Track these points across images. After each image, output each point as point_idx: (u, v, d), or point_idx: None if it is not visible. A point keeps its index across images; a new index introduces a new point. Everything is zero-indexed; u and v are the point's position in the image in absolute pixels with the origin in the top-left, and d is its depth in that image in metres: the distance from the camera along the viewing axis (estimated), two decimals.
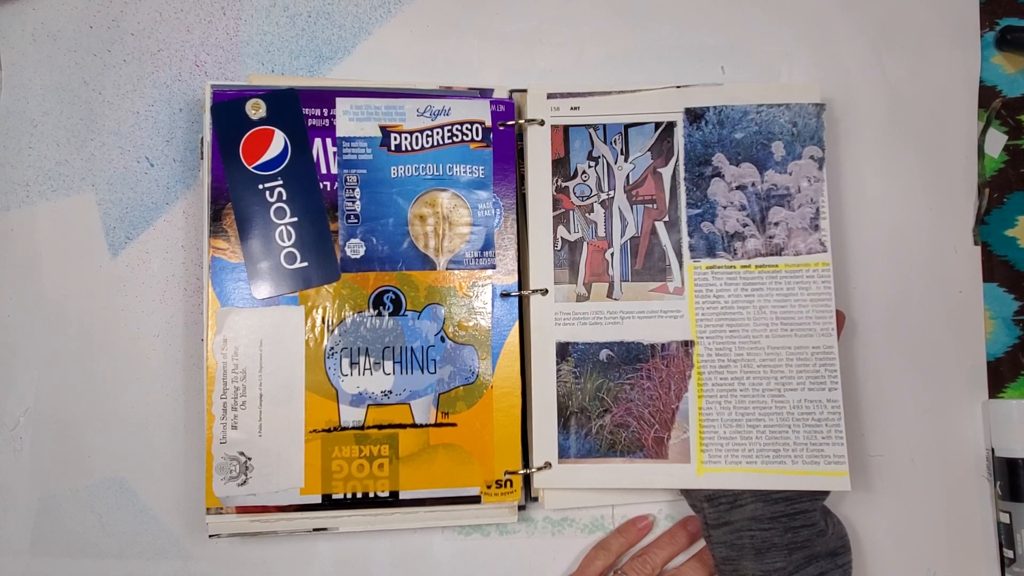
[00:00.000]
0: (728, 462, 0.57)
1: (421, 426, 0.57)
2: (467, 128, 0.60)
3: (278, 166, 0.58)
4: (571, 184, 0.60)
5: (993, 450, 0.60)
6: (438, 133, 0.60)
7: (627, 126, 0.60)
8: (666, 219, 0.60)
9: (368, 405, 0.57)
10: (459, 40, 0.64)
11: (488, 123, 0.60)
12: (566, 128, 0.60)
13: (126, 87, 0.62)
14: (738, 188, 0.59)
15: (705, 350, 0.58)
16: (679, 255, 0.59)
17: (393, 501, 0.57)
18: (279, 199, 0.58)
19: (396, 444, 0.57)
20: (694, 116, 0.60)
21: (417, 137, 0.59)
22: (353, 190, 0.59)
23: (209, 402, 0.56)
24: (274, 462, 0.56)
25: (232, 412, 0.56)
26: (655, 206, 0.60)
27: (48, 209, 0.61)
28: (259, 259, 0.57)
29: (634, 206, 0.60)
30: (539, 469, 0.57)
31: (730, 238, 0.59)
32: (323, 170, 0.59)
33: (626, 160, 0.60)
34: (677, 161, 0.60)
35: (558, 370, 0.58)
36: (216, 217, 0.57)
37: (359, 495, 0.56)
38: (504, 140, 0.60)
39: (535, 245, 0.59)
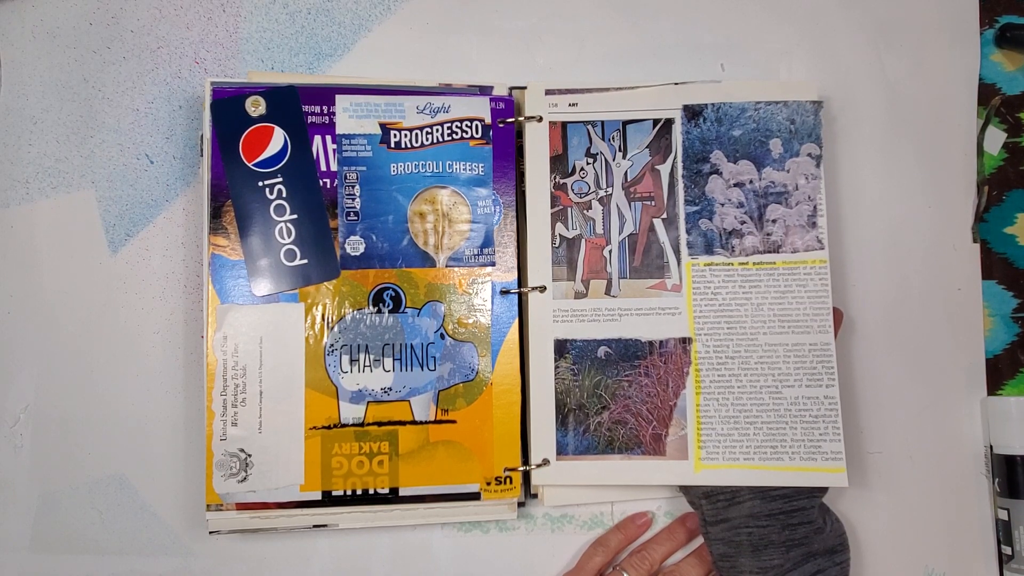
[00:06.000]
0: (726, 459, 0.57)
1: (421, 423, 0.57)
2: (467, 125, 0.60)
3: (278, 163, 0.58)
4: (569, 181, 0.60)
5: (991, 447, 0.60)
6: (438, 130, 0.60)
7: (625, 123, 0.60)
8: (664, 216, 0.60)
9: (368, 402, 0.57)
10: (459, 37, 0.64)
11: (488, 120, 0.60)
12: (564, 124, 0.60)
13: (126, 84, 0.62)
14: (736, 185, 0.59)
15: (703, 347, 0.58)
16: (677, 252, 0.59)
17: (393, 498, 0.57)
18: (279, 196, 0.58)
19: (396, 441, 0.57)
20: (692, 113, 0.60)
21: (417, 134, 0.60)
22: (353, 187, 0.59)
23: (209, 399, 0.56)
24: (274, 459, 0.56)
25: (232, 409, 0.56)
26: (653, 203, 0.60)
27: (48, 206, 0.61)
28: (259, 256, 0.58)
29: (632, 203, 0.60)
30: (537, 466, 0.58)
31: (728, 235, 0.59)
32: (323, 167, 0.59)
33: (624, 157, 0.60)
34: (675, 158, 0.60)
35: (556, 367, 0.58)
36: (216, 214, 0.58)
37: (359, 492, 0.57)
38: (504, 137, 0.60)
39: (533, 242, 0.59)
